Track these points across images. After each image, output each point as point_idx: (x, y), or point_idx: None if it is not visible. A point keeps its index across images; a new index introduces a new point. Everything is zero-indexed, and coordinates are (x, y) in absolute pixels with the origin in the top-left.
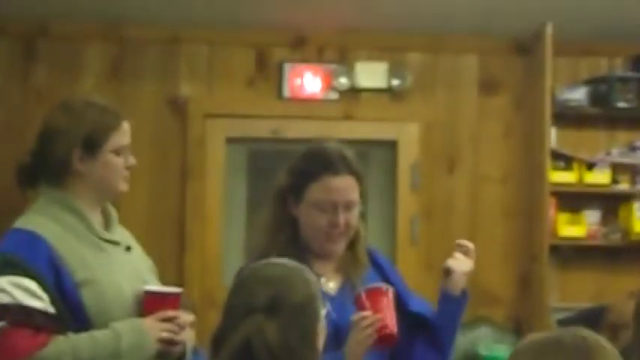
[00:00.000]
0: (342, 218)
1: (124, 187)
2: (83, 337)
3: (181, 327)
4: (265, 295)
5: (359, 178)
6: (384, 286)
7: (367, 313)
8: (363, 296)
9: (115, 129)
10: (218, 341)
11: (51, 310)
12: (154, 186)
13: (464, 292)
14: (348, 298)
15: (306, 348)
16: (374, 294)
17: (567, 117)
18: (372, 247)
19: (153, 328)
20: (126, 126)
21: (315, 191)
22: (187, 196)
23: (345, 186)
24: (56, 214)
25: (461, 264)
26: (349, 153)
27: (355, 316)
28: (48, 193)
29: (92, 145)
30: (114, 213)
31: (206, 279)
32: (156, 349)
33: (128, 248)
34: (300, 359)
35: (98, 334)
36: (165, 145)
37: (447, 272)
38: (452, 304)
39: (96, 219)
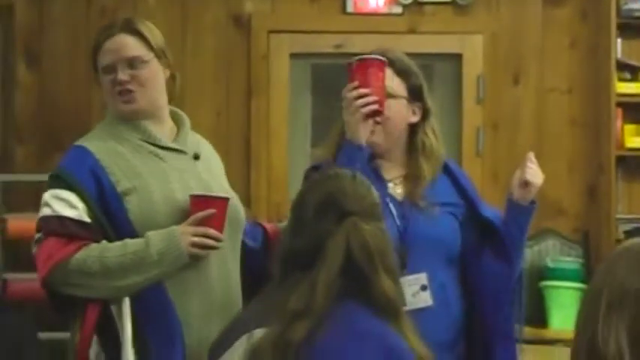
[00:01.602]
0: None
1: (120, 106)
2: (115, 243)
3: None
4: (348, 201)
5: (402, 72)
6: (379, 57)
7: (354, 84)
8: (353, 67)
9: (98, 49)
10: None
11: (85, 218)
12: (218, 103)
13: (532, 202)
14: (411, 208)
15: (389, 247)
16: (364, 65)
17: (633, 27)
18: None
19: (185, 233)
20: (110, 44)
21: None
22: (252, 112)
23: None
24: (113, 128)
25: (537, 176)
26: (402, 56)
27: (344, 90)
28: (111, 111)
29: (95, 69)
30: (186, 121)
31: (272, 194)
32: (189, 254)
33: (196, 157)
34: (388, 258)
35: (129, 241)
36: (229, 61)
37: (525, 185)
38: (522, 214)
39: (158, 128)
